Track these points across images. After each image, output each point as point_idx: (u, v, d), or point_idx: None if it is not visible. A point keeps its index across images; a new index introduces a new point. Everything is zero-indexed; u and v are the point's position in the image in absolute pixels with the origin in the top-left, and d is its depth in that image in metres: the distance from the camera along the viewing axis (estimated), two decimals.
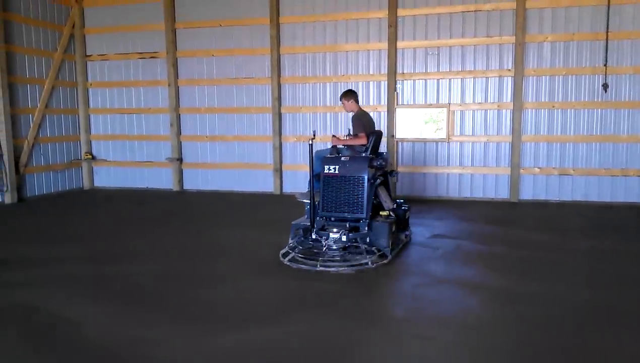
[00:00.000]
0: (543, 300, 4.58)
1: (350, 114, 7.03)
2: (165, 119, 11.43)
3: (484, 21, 9.61)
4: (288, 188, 10.73)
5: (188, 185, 11.51)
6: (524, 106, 9.58)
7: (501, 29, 9.55)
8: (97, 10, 11.55)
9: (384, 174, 6.53)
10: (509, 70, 9.59)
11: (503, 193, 9.85)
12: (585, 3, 9.14)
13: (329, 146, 6.81)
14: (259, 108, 10.92)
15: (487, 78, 9.74)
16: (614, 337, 3.83)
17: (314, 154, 6.24)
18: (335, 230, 5.82)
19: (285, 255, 5.78)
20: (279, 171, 10.82)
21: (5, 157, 9.81)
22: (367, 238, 5.83)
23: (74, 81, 11.73)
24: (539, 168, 9.68)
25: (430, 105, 10.05)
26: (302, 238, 5.96)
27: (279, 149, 10.77)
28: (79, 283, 5.13)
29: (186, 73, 11.25)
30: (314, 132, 6.52)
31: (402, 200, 6.82)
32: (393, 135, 10.16)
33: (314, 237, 5.90)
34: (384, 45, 10.05)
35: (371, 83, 10.31)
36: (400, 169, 10.29)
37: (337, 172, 5.98)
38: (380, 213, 6.14)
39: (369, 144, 6.42)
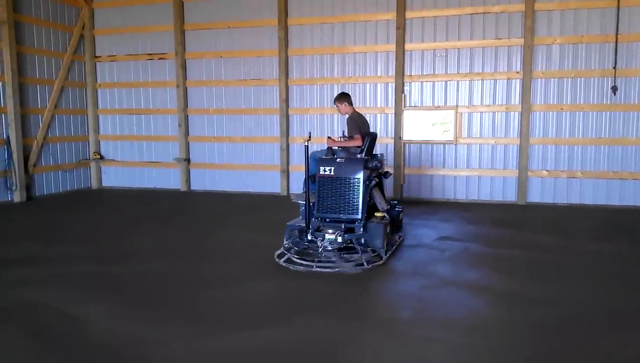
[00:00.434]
0: (550, 303, 4.56)
1: (346, 116, 7.04)
2: (174, 119, 11.49)
3: (492, 23, 9.59)
4: (295, 190, 10.73)
5: (195, 186, 11.55)
6: (532, 108, 9.54)
7: (510, 31, 9.52)
8: (107, 11, 11.63)
9: (378, 176, 6.56)
10: (518, 72, 9.56)
11: (510, 196, 9.82)
12: (594, 5, 9.11)
13: (325, 147, 6.83)
14: (266, 109, 10.95)
15: (495, 80, 9.72)
16: (620, 340, 3.81)
17: (309, 155, 6.26)
18: (330, 231, 5.83)
19: (280, 256, 5.81)
20: (286, 172, 10.84)
21: (15, 156, 9.89)
22: (362, 239, 5.85)
23: (83, 82, 11.82)
24: (547, 171, 9.63)
25: (438, 107, 10.04)
26: (298, 239, 5.97)
27: (286, 150, 10.79)
28: (85, 282, 5.16)
29: (194, 74, 11.30)
30: (310, 133, 6.54)
31: (395, 202, 6.88)
32: (400, 137, 10.15)
33: (309, 238, 5.91)
34: (392, 47, 10.05)
35: (379, 85, 10.31)
36: (407, 171, 10.28)
37: (332, 173, 6.01)
38: (375, 214, 6.18)
39: (364, 146, 6.47)
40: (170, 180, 11.68)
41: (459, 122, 9.92)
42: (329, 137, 6.85)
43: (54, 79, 10.99)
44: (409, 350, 3.68)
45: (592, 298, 4.71)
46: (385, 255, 5.84)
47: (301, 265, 5.51)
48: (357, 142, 6.49)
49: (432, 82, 10.02)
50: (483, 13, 9.58)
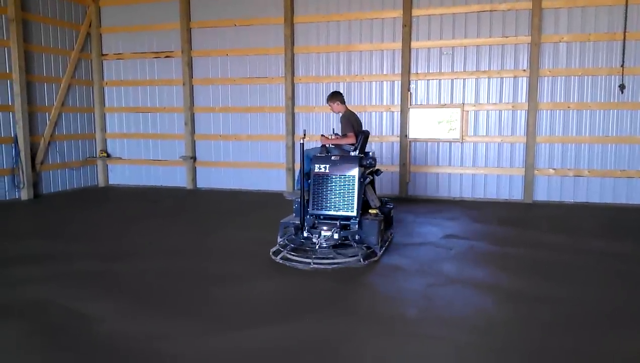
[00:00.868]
0: (556, 302, 4.55)
1: (339, 115, 7.09)
2: (180, 117, 11.52)
3: (499, 21, 9.55)
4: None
5: (201, 184, 11.58)
6: (539, 107, 9.51)
7: (517, 29, 9.49)
8: (114, 9, 11.67)
9: (370, 173, 6.62)
10: (524, 70, 9.52)
11: (517, 195, 9.79)
12: (602, 3, 9.05)
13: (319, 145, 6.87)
14: (272, 107, 10.95)
15: (502, 78, 9.68)
16: (625, 339, 3.80)
17: (303, 152, 6.32)
18: (326, 228, 5.90)
19: (275, 253, 5.85)
20: (291, 170, 10.85)
21: (22, 154, 9.94)
22: (357, 236, 5.91)
23: (90, 80, 11.86)
24: (553, 169, 9.60)
25: (444, 105, 10.01)
26: (293, 236, 6.01)
27: (292, 148, 10.79)
28: (91, 279, 5.19)
29: (201, 72, 11.32)
30: (304, 131, 6.56)
31: (387, 199, 6.95)
32: (406, 135, 10.14)
33: (305, 234, 5.96)
34: (398, 45, 10.03)
35: (385, 83, 10.29)
36: (413, 169, 10.27)
37: (327, 171, 6.07)
38: (369, 211, 6.24)
39: (357, 144, 6.52)
40: (177, 178, 11.71)
41: (465, 120, 9.90)
42: (322, 135, 6.90)
43: (61, 77, 11.03)
44: (414, 348, 3.68)
45: (598, 297, 4.70)
46: (380, 251, 5.92)
47: (298, 261, 5.54)
48: (351, 140, 6.55)
49: (438, 80, 9.99)
50: (490, 11, 9.55)
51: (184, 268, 5.62)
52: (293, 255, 5.68)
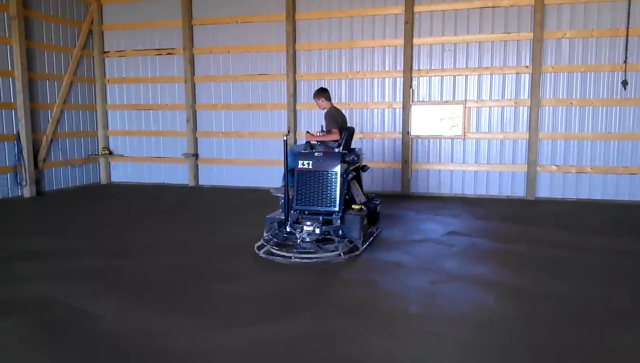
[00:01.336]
0: (558, 299, 4.54)
1: (324, 111, 7.15)
2: (182, 115, 11.52)
3: (501, 17, 9.52)
4: None
5: (203, 181, 11.59)
6: (541, 103, 9.48)
7: (519, 25, 9.46)
8: (115, 6, 11.67)
9: (355, 169, 6.69)
10: (527, 66, 9.49)
11: (519, 191, 9.78)
12: None
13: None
14: (274, 104, 10.95)
15: (504, 75, 9.66)
16: (628, 336, 3.79)
17: (288, 149, 6.39)
18: (308, 223, 5.99)
19: (260, 247, 5.94)
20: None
21: (25, 152, 9.96)
22: (340, 231, 6.02)
23: (92, 77, 11.87)
24: (556, 165, 9.58)
25: (447, 102, 10.00)
26: (277, 231, 6.11)
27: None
28: (95, 276, 5.20)
29: (202, 69, 11.32)
30: (289, 128, 6.57)
31: (373, 195, 7.04)
32: (408, 132, 10.13)
33: (288, 229, 6.06)
34: (400, 41, 10.01)
35: (387, 79, 10.27)
36: (415, 166, 10.26)
37: (310, 167, 6.18)
38: (352, 206, 6.33)
39: (341, 140, 6.60)
40: (179, 175, 11.72)
41: (467, 117, 9.88)
42: (307, 132, 6.98)
43: (63, 74, 11.04)
44: (416, 345, 3.68)
45: (601, 294, 4.69)
46: (362, 246, 6.01)
47: (279, 256, 5.67)
48: (335, 136, 6.61)
49: (440, 77, 9.98)
50: (492, 7, 9.52)
51: (185, 265, 5.63)
52: (276, 250, 5.79)
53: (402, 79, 10.10)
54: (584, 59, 9.26)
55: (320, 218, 6.05)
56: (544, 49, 9.37)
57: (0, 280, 5.11)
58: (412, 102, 10.10)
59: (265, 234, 6.22)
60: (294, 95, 10.69)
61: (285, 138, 6.22)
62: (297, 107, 10.77)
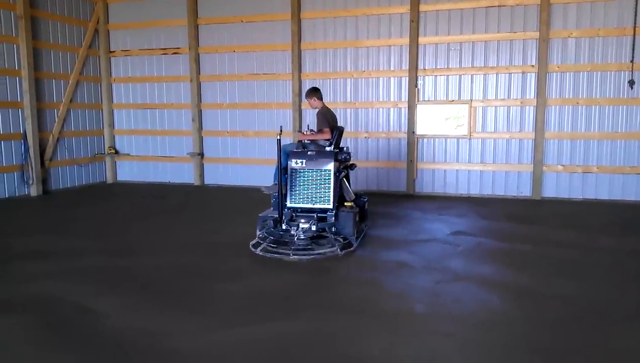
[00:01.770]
0: (564, 299, 4.53)
1: (315, 110, 7.29)
2: (187, 114, 11.54)
3: (507, 16, 9.49)
4: None
5: (209, 180, 11.61)
6: (547, 102, 9.45)
7: (525, 24, 9.43)
8: (121, 6, 11.70)
9: (345, 168, 6.85)
10: (533, 66, 9.46)
11: (525, 191, 9.74)
12: None
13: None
14: (279, 104, 10.95)
15: (510, 74, 9.63)
16: (634, 337, 3.77)
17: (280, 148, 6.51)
18: (303, 220, 6.13)
19: (255, 245, 5.99)
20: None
21: (31, 151, 10.01)
22: (333, 228, 6.16)
23: (98, 76, 11.91)
24: (562, 165, 9.54)
25: (452, 102, 9.97)
26: (272, 229, 6.18)
27: None
28: (101, 275, 5.22)
29: (208, 69, 11.34)
30: (281, 127, 6.64)
31: (361, 193, 7.23)
32: (414, 132, 10.11)
33: (284, 227, 6.14)
34: (406, 40, 10.00)
35: (392, 79, 10.26)
36: (420, 166, 10.24)
37: (304, 165, 6.31)
38: (345, 204, 6.47)
39: (333, 139, 6.77)
40: (184, 174, 11.75)
41: (473, 116, 9.85)
42: (299, 131, 7.07)
43: (69, 74, 11.09)
44: (420, 345, 3.67)
45: (607, 294, 4.67)
46: (355, 242, 6.14)
47: (277, 253, 5.74)
48: (326, 135, 6.77)
49: (446, 76, 9.95)
50: (498, 6, 9.49)
51: (189, 264, 5.64)
52: (273, 248, 5.85)
53: (407, 78, 10.08)
54: (590, 58, 9.22)
55: (315, 216, 6.17)
56: (550, 48, 9.33)
57: (6, 278, 5.13)
58: (418, 101, 10.08)
59: (258, 232, 6.31)
60: (299, 94, 10.69)
61: (278, 137, 6.32)
62: (303, 107, 10.77)
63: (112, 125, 12.15)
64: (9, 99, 9.72)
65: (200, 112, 11.47)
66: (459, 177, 10.09)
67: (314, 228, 6.06)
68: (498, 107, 9.77)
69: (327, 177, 6.25)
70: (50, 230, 7.29)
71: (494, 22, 9.57)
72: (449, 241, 6.56)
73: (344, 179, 6.73)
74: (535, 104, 9.49)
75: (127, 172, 12.23)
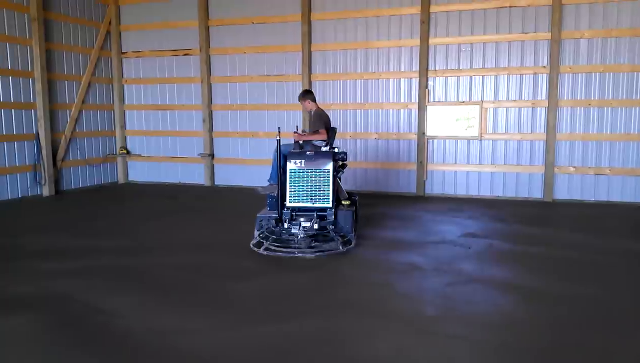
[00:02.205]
0: (577, 301, 4.50)
1: (312, 112, 7.45)
2: (198, 115, 11.60)
3: (518, 17, 9.45)
4: None
5: (219, 181, 11.65)
6: (559, 104, 9.39)
7: (536, 25, 9.38)
8: (133, 7, 11.78)
9: (340, 167, 7.02)
10: (544, 67, 9.41)
11: (537, 193, 9.69)
12: None
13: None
14: (289, 105, 10.96)
15: (521, 75, 9.58)
16: None
17: (274, 149, 6.67)
18: (304, 219, 6.23)
19: (257, 245, 6.07)
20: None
21: (44, 151, 10.10)
22: (332, 226, 6.26)
23: (109, 77, 12.00)
24: (574, 167, 9.48)
25: (463, 103, 9.94)
26: (274, 228, 6.28)
27: None
28: (112, 274, 5.26)
29: (219, 70, 11.38)
30: (279, 128, 6.72)
31: (352, 192, 7.39)
32: (424, 133, 10.09)
33: (286, 226, 6.24)
34: (416, 41, 9.98)
35: (402, 80, 10.24)
36: (430, 167, 10.21)
37: (303, 165, 6.41)
38: (342, 202, 6.64)
39: (329, 139, 7.00)
40: (195, 175, 11.80)
41: (484, 118, 9.82)
42: (295, 132, 7.20)
43: (82, 75, 11.18)
44: (433, 347, 3.67)
45: (619, 297, 4.63)
46: (354, 239, 6.27)
47: (281, 251, 5.83)
48: (322, 136, 6.98)
49: (456, 77, 9.92)
50: (509, 7, 9.45)
51: (201, 263, 5.67)
52: (276, 246, 5.94)
53: (417, 79, 10.06)
54: (602, 59, 9.15)
55: (315, 215, 6.27)
56: (562, 49, 9.28)
57: (19, 277, 5.18)
58: (428, 102, 10.06)
59: (256, 232, 6.39)
60: None
61: (277, 138, 6.47)
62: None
63: (123, 126, 12.23)
64: (22, 100, 9.81)
65: (210, 113, 11.52)
66: (469, 178, 10.05)
67: (316, 226, 6.15)
68: (509, 108, 9.73)
69: (326, 177, 6.37)
70: (62, 230, 7.35)
71: (505, 23, 9.53)
72: (460, 243, 6.53)
73: (339, 179, 6.91)
74: (547, 105, 9.44)
75: (139, 173, 12.31)
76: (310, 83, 10.68)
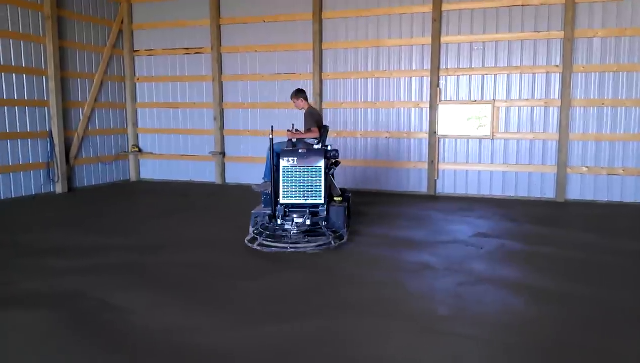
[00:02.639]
0: (588, 302, 4.47)
1: (302, 111, 7.63)
2: (209, 113, 11.64)
3: (531, 15, 9.38)
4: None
5: (230, 179, 11.69)
6: (572, 103, 9.32)
7: (549, 23, 9.31)
8: (145, 6, 11.85)
9: (332, 164, 7.21)
10: (557, 66, 9.34)
11: (549, 193, 9.62)
12: None
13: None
14: None
15: (534, 74, 9.52)
16: None
17: (267, 147, 6.84)
18: (297, 215, 6.40)
19: (251, 241, 6.18)
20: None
21: (57, 149, 10.19)
22: (325, 221, 6.41)
23: (122, 75, 12.07)
24: (586, 167, 9.40)
25: (475, 102, 9.89)
26: (267, 224, 6.40)
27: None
28: (124, 271, 5.30)
29: (230, 68, 11.42)
30: (272, 126, 6.86)
31: (345, 188, 7.49)
32: (435, 132, 10.05)
33: (279, 222, 6.39)
34: (428, 40, 9.94)
35: (413, 78, 10.21)
36: (441, 166, 10.18)
37: (296, 163, 6.58)
38: (334, 198, 6.80)
39: (320, 137, 7.16)
40: (206, 172, 11.85)
41: (495, 117, 9.76)
42: (288, 130, 7.39)
43: (94, 73, 11.26)
44: (443, 346, 3.66)
45: (631, 298, 4.60)
46: (345, 235, 6.41)
47: (274, 247, 5.94)
48: (315, 134, 7.14)
49: (468, 76, 9.88)
50: (522, 5, 9.38)
51: (211, 261, 5.70)
52: (269, 241, 6.03)
53: (429, 78, 10.03)
54: (616, 58, 9.07)
55: (308, 211, 6.40)
56: (575, 48, 9.20)
57: (31, 273, 5.23)
58: (440, 101, 10.02)
59: (251, 228, 6.49)
60: (320, 94, 10.71)
61: (270, 136, 6.61)
62: (323, 106, 10.78)
63: (135, 123, 12.30)
64: (35, 98, 9.90)
65: (222, 111, 11.56)
66: (481, 177, 10.01)
67: (308, 222, 6.29)
68: (521, 107, 9.67)
69: (318, 174, 6.52)
70: (74, 227, 7.41)
71: (517, 21, 9.47)
72: (471, 243, 6.51)
73: (331, 176, 7.08)
74: (560, 105, 9.37)
75: (150, 170, 12.38)
76: (321, 81, 10.68)
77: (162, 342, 3.71)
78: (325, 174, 6.56)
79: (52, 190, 10.28)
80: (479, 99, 9.86)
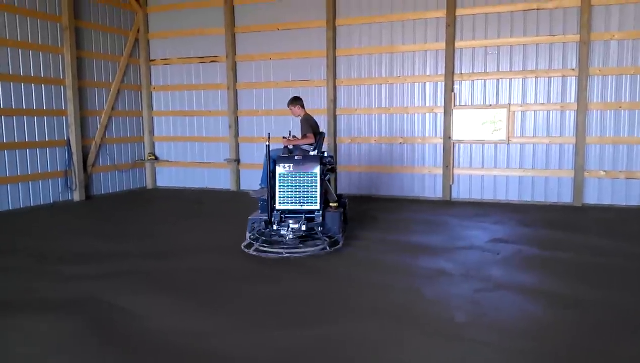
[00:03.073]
0: (605, 308, 4.41)
1: (299, 118, 7.73)
2: (224, 121, 11.72)
3: (546, 19, 9.32)
4: (343, 189, 10.75)
5: (245, 186, 11.73)
6: (588, 106, 9.22)
7: (565, 27, 9.24)
8: (160, 15, 11.98)
9: (328, 171, 7.31)
10: (573, 69, 9.26)
11: (566, 197, 9.52)
12: None
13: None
14: (314, 110, 10.92)
15: (549, 78, 9.44)
16: None
17: (264, 154, 6.93)
18: (292, 221, 6.45)
19: (247, 246, 6.23)
20: (333, 172, 10.85)
21: (75, 157, 10.32)
22: (321, 227, 6.48)
23: (138, 84, 12.21)
24: (604, 171, 9.29)
25: (490, 106, 9.84)
26: (264, 230, 6.45)
27: (334, 151, 10.82)
28: (140, 277, 5.35)
29: (244, 76, 11.49)
30: (269, 133, 7.00)
31: (342, 194, 7.56)
32: (450, 137, 10.01)
33: (275, 228, 6.44)
34: (442, 45, 9.92)
35: (427, 84, 10.19)
36: (457, 171, 10.13)
37: (292, 169, 6.64)
38: (330, 204, 6.82)
39: (316, 143, 7.25)
40: (221, 180, 11.92)
41: (511, 121, 9.70)
42: (284, 137, 7.49)
43: (111, 82, 11.40)
44: (460, 353, 3.64)
45: None
46: (341, 240, 6.44)
47: (270, 252, 5.98)
48: (310, 140, 7.23)
49: (483, 80, 9.83)
50: (537, 9, 9.34)
51: (224, 266, 5.74)
52: (265, 247, 6.07)
53: (443, 83, 10.00)
54: (634, 61, 8.97)
55: (303, 216, 6.47)
56: (591, 51, 9.12)
57: (49, 279, 5.31)
58: (454, 106, 9.99)
59: (248, 234, 6.53)
60: (334, 100, 10.73)
61: (267, 143, 6.73)
62: (337, 113, 10.81)
63: (152, 132, 12.43)
64: (53, 107, 10.05)
65: (236, 118, 11.63)
66: (496, 182, 9.94)
67: (303, 228, 6.35)
68: (537, 112, 9.59)
69: (313, 180, 6.57)
70: (93, 234, 7.49)
71: (532, 25, 9.41)
72: (488, 248, 6.46)
73: (327, 181, 7.13)
74: (576, 108, 9.28)
75: (166, 178, 12.48)
76: (335, 88, 10.70)
77: (178, 346, 3.73)
78: (321, 180, 6.63)
79: (70, 198, 10.41)
80: (494, 103, 9.80)
